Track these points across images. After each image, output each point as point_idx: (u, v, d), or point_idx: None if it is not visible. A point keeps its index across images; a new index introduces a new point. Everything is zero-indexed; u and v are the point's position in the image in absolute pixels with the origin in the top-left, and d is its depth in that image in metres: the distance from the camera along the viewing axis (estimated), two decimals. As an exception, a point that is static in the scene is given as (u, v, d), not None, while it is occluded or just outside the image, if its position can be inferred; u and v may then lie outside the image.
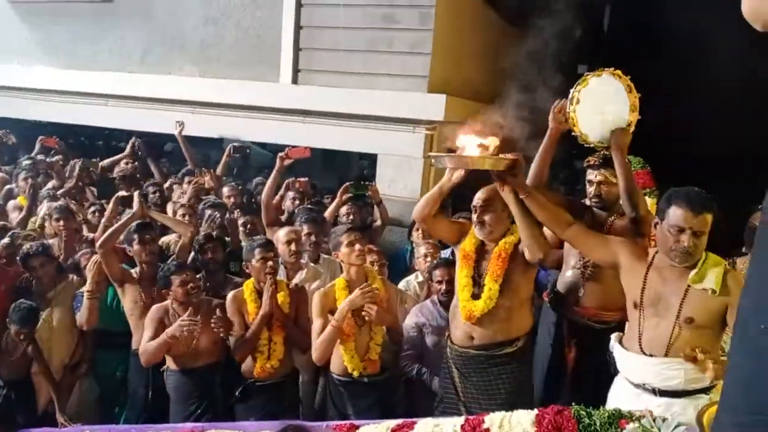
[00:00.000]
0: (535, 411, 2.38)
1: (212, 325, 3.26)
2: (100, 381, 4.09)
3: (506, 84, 7.64)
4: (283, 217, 5.01)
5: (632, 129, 2.88)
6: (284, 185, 4.98)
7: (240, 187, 5.53)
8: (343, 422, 2.82)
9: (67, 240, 4.31)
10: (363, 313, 3.16)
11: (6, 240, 3.94)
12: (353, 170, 11.51)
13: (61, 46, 6.74)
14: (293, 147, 4.96)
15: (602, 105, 2.88)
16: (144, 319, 3.66)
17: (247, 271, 3.50)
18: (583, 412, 2.30)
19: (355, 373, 3.21)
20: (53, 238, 4.40)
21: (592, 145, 2.99)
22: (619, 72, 2.87)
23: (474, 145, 2.75)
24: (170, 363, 3.44)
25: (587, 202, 3.36)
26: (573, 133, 2.96)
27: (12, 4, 6.94)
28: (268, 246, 3.50)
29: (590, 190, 3.25)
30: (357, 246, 3.21)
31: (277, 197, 4.97)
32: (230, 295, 3.48)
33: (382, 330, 3.30)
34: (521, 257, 2.86)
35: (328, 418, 3.31)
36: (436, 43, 5.17)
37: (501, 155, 2.69)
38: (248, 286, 3.45)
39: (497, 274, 2.90)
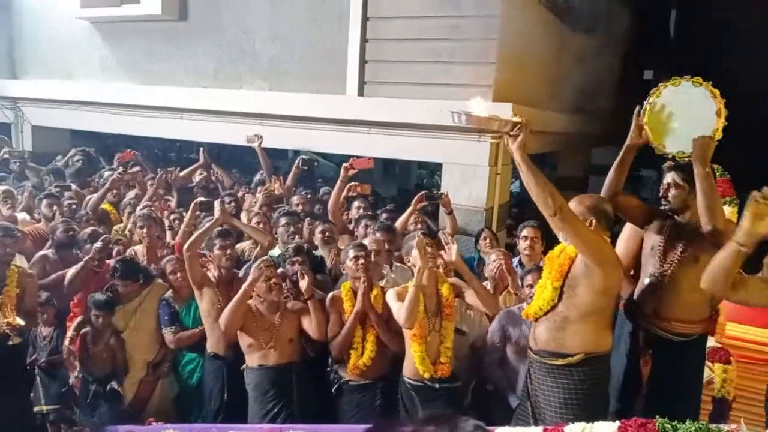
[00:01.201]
0: (618, 423, 2.36)
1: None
2: (179, 381, 4.28)
3: (571, 91, 7.59)
4: (351, 226, 5.12)
5: (719, 136, 2.81)
6: (345, 190, 5.05)
7: (309, 196, 5.69)
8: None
9: (150, 246, 4.54)
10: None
11: (99, 244, 4.17)
12: (412, 179, 11.62)
13: (139, 63, 7.11)
14: (358, 158, 5.09)
15: (682, 114, 2.83)
16: (218, 323, 3.83)
17: (344, 273, 3.69)
18: (668, 426, 2.26)
19: (426, 376, 3.27)
20: (139, 244, 4.65)
21: (670, 156, 2.94)
22: (699, 79, 2.81)
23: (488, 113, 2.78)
24: (249, 361, 3.60)
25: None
26: (650, 145, 2.92)
27: (94, 24, 7.37)
28: (361, 247, 3.66)
29: (665, 193, 3.19)
30: (428, 249, 3.29)
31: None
32: (330, 295, 3.66)
33: (452, 334, 3.35)
34: (585, 270, 2.81)
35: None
36: (501, 52, 5.19)
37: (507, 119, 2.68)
38: (345, 287, 3.64)
39: (555, 278, 2.90)
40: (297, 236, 4.56)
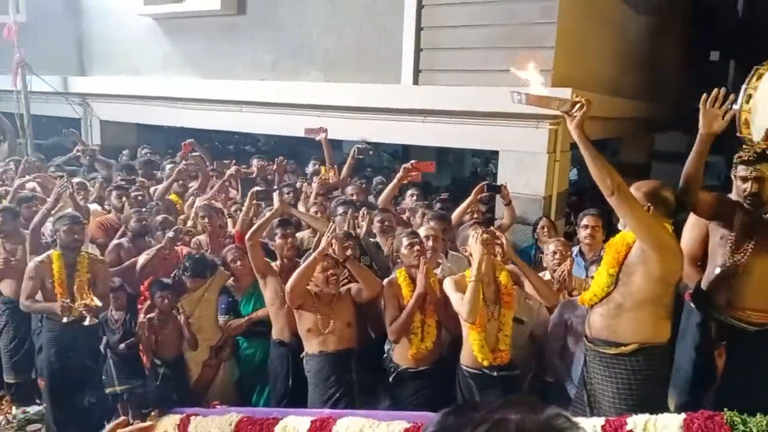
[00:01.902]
0: (683, 415, 2.30)
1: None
2: (240, 365, 4.42)
3: (633, 75, 7.34)
4: (405, 216, 5.14)
5: None
6: (404, 170, 5.00)
7: (363, 186, 5.73)
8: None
9: (213, 236, 4.68)
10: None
11: (171, 234, 4.35)
12: (466, 168, 11.52)
13: (200, 58, 7.31)
14: (419, 161, 5.08)
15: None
16: (283, 310, 3.94)
17: (399, 260, 3.73)
18: (738, 419, 2.18)
19: (485, 363, 3.27)
20: (202, 234, 4.81)
21: (756, 146, 2.80)
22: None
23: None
24: (309, 348, 3.68)
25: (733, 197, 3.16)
26: (738, 134, 2.78)
27: (156, 20, 7.62)
28: (415, 234, 3.73)
29: (744, 186, 3.03)
30: (484, 238, 3.27)
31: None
32: (386, 281, 3.71)
33: (510, 322, 3.34)
34: (642, 256, 2.77)
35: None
36: (559, 36, 5.06)
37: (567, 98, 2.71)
38: (401, 273, 3.68)
39: (611, 264, 2.86)
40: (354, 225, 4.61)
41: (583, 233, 4.29)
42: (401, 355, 3.60)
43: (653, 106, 7.69)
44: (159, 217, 4.78)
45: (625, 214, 2.68)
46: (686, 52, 9.33)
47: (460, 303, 3.26)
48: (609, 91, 6.09)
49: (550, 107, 2.77)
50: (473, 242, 3.28)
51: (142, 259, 4.37)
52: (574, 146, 4.95)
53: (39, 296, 4.22)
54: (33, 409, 4.86)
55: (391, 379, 3.65)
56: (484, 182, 5.03)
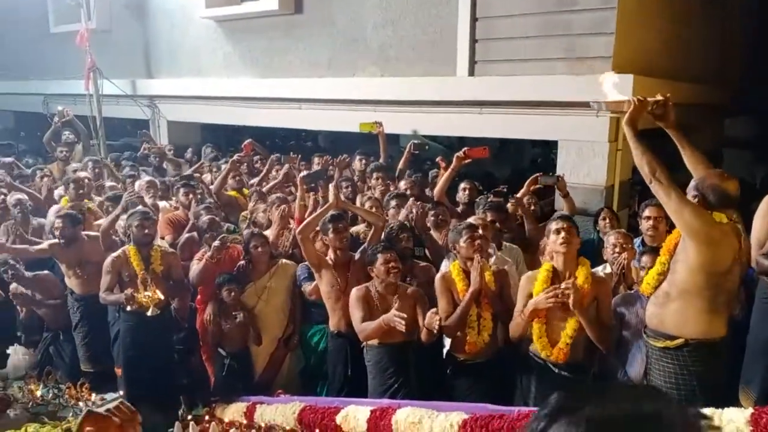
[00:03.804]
0: (751, 410, 2.22)
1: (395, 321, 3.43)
2: (305, 354, 4.54)
3: (699, 59, 7.02)
4: (459, 208, 5.13)
5: None
6: (456, 159, 4.99)
7: (417, 179, 5.74)
8: (535, 409, 2.85)
9: (281, 228, 4.79)
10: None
11: (217, 243, 4.42)
12: (526, 159, 11.33)
13: (259, 58, 7.50)
14: (471, 148, 5.06)
15: None
16: (340, 303, 4.02)
17: (454, 252, 3.72)
18: (814, 414, 2.09)
19: (543, 354, 3.26)
20: (267, 229, 4.94)
21: None
22: None
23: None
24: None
25: None
26: None
27: (218, 22, 7.86)
28: (473, 228, 3.69)
29: None
30: (563, 234, 3.22)
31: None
32: (439, 275, 3.73)
33: (575, 323, 3.23)
34: (682, 245, 2.80)
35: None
36: (619, 20, 4.91)
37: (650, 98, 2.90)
38: (455, 267, 3.68)
39: (663, 252, 2.98)
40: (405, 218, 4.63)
41: (645, 224, 4.16)
42: (458, 347, 3.62)
43: (719, 90, 7.35)
44: (206, 218, 4.86)
45: (662, 201, 2.78)
46: (754, 32, 8.83)
47: (514, 316, 3.32)
48: (671, 76, 5.85)
49: (625, 109, 2.91)
50: (553, 237, 3.28)
51: (194, 271, 4.53)
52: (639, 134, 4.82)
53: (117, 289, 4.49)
54: (110, 396, 5.12)
55: (448, 371, 3.68)
56: (537, 174, 4.96)
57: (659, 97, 2.85)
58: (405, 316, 3.37)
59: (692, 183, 2.87)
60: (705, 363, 2.82)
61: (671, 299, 2.84)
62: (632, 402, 0.81)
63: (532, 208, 4.88)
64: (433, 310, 3.44)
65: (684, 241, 2.77)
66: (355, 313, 3.70)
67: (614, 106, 3.02)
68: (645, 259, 3.43)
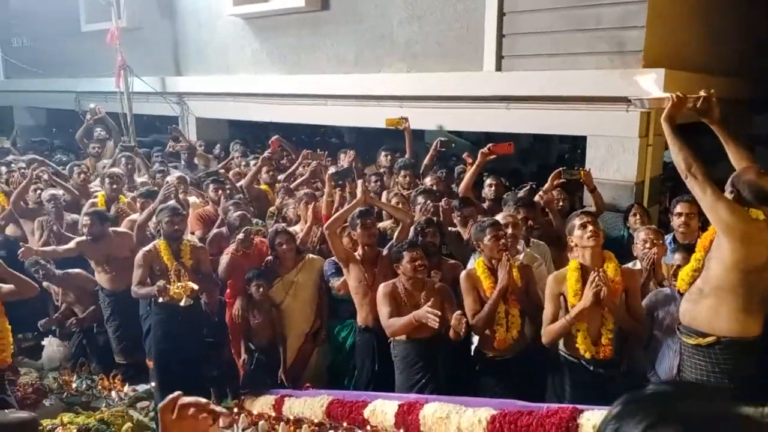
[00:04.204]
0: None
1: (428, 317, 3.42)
2: (333, 349, 4.58)
3: (729, 52, 6.87)
4: (485, 204, 5.10)
5: None
6: (481, 155, 4.97)
7: (442, 175, 5.73)
8: (565, 405, 2.85)
9: (310, 224, 4.83)
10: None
11: (241, 236, 4.47)
12: (553, 155, 11.23)
13: (286, 54, 7.56)
14: (496, 144, 5.03)
15: None
16: (367, 298, 4.04)
17: (478, 249, 3.70)
18: None
19: (587, 355, 3.21)
20: (295, 224, 4.99)
21: None
22: None
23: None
24: (397, 333, 3.74)
25: None
26: None
27: (245, 20, 7.94)
28: (498, 225, 3.66)
29: None
30: (590, 227, 3.20)
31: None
32: (464, 273, 3.71)
33: (612, 318, 3.22)
34: (717, 242, 2.78)
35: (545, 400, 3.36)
36: (650, 13, 4.83)
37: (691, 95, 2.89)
38: (480, 264, 3.65)
39: (698, 249, 2.94)
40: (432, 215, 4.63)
41: (677, 220, 4.11)
42: (487, 344, 3.61)
43: (750, 84, 7.18)
44: (236, 214, 4.90)
45: (698, 197, 2.76)
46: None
47: (545, 323, 3.30)
48: (702, 70, 5.75)
49: (665, 107, 2.90)
50: (578, 232, 3.25)
51: (223, 264, 4.59)
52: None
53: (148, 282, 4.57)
54: (142, 387, 5.23)
55: (477, 367, 3.68)
56: (561, 168, 4.92)
57: (702, 93, 2.84)
58: (438, 312, 3.37)
59: (730, 179, 2.84)
60: (737, 361, 2.78)
61: (704, 296, 2.82)
62: (720, 401, 0.81)
63: (560, 204, 4.83)
64: (458, 312, 3.42)
65: (719, 238, 2.74)
66: (382, 309, 3.71)
67: (656, 103, 2.98)
68: (678, 256, 3.39)
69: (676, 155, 2.77)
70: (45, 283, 5.33)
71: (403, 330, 3.62)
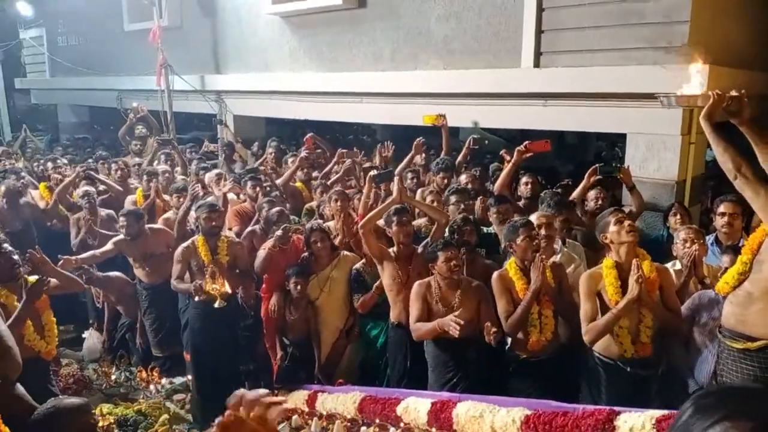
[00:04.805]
0: None
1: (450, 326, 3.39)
2: (365, 347, 4.59)
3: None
4: (521, 203, 5.04)
5: None
6: (517, 153, 4.94)
7: (477, 173, 5.69)
8: (602, 407, 2.79)
9: (345, 221, 4.84)
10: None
11: (279, 233, 4.50)
12: (590, 152, 11.02)
13: (323, 52, 7.60)
14: (533, 141, 4.97)
15: None
16: (401, 295, 4.04)
17: (511, 250, 3.66)
18: None
19: (627, 354, 3.17)
20: (331, 221, 5.01)
21: None
22: None
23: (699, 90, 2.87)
24: (430, 333, 3.73)
25: None
26: None
27: (283, 18, 8.01)
28: (531, 226, 3.62)
29: None
30: (627, 223, 3.15)
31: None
32: (496, 274, 3.66)
33: (651, 315, 3.18)
34: None
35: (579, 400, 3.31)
36: (695, 8, 4.70)
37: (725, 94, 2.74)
38: (512, 265, 3.61)
39: (745, 251, 2.80)
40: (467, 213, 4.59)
41: (719, 221, 4.00)
42: (520, 345, 3.57)
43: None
44: (275, 210, 4.93)
45: (750, 198, 2.66)
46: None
47: (584, 321, 3.23)
48: (748, 65, 5.56)
49: (699, 105, 2.81)
50: (614, 228, 3.19)
51: (259, 259, 4.63)
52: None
53: (187, 277, 4.66)
54: (178, 380, 5.35)
55: (511, 368, 3.64)
56: (597, 164, 4.83)
57: (734, 93, 2.71)
58: (461, 322, 3.35)
59: None
60: None
61: (754, 300, 2.73)
62: None
63: (600, 202, 4.74)
64: (488, 324, 3.40)
65: None
66: (413, 310, 3.71)
67: (685, 100, 2.89)
68: (727, 258, 3.30)
69: (722, 155, 2.67)
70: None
71: (428, 335, 3.62)
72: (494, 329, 3.35)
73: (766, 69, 5.85)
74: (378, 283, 4.25)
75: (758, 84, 5.78)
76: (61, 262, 4.60)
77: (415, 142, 6.00)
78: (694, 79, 2.99)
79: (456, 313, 3.46)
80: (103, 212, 6.09)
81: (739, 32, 5.49)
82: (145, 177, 6.39)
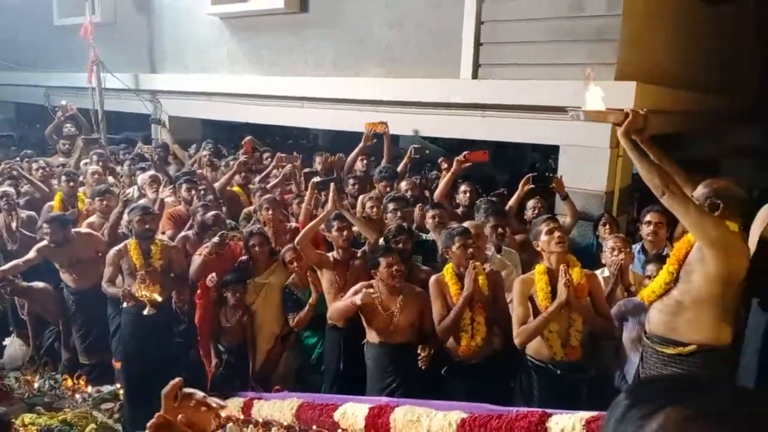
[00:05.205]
0: None
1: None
2: (302, 354, 4.56)
3: (702, 67, 7.05)
4: (459, 210, 5.14)
5: None
6: (456, 162, 5.03)
7: (417, 182, 5.77)
8: (534, 409, 2.87)
9: (275, 229, 4.80)
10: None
11: (216, 240, 4.40)
12: (525, 163, 11.36)
13: (264, 56, 7.52)
14: (472, 152, 5.09)
15: None
16: (338, 299, 4.04)
17: (447, 257, 3.71)
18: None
19: (557, 357, 3.26)
20: (264, 227, 4.93)
21: None
22: None
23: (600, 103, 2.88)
24: (371, 337, 3.76)
25: None
26: None
27: (223, 19, 7.88)
28: (467, 233, 3.68)
29: None
30: (557, 233, 3.25)
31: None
32: (433, 278, 3.71)
33: (581, 319, 3.29)
34: (700, 256, 2.77)
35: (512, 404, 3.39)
36: (624, 28, 4.94)
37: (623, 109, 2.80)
38: (448, 271, 3.67)
39: (671, 261, 2.88)
40: (403, 221, 4.64)
41: (645, 230, 4.20)
42: (452, 349, 3.62)
43: (725, 98, 7.39)
44: (210, 214, 4.84)
45: (678, 214, 2.73)
46: (762, 43, 8.87)
47: (515, 324, 3.31)
48: (676, 84, 5.90)
49: (608, 121, 2.91)
50: (545, 237, 3.30)
51: (194, 267, 4.52)
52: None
53: (120, 281, 4.50)
54: (106, 389, 5.14)
55: (443, 372, 3.67)
56: (531, 174, 4.99)
57: (640, 111, 2.77)
58: (372, 291, 3.51)
59: (706, 191, 2.81)
60: (715, 369, 2.83)
61: (684, 308, 2.83)
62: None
63: (537, 211, 4.89)
64: (420, 347, 3.50)
65: (701, 252, 2.73)
66: (342, 301, 3.75)
67: (594, 115, 2.89)
68: (652, 267, 3.46)
69: (648, 172, 2.68)
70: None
71: (343, 313, 3.69)
72: (424, 354, 3.45)
73: (692, 87, 6.22)
74: (312, 299, 4.23)
75: (683, 101, 6.13)
76: None
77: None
78: (597, 97, 2.98)
79: (395, 319, 3.47)
80: (24, 213, 5.80)
81: (667, 52, 5.81)
82: (63, 178, 6.10)
